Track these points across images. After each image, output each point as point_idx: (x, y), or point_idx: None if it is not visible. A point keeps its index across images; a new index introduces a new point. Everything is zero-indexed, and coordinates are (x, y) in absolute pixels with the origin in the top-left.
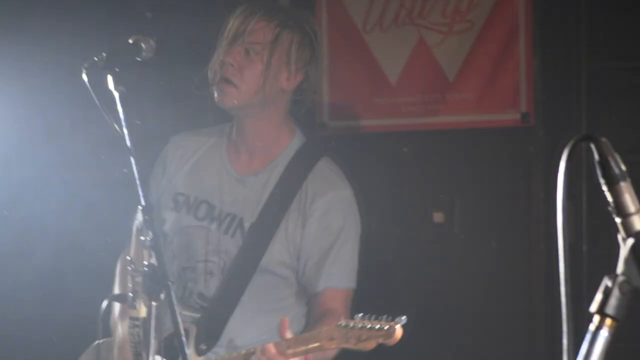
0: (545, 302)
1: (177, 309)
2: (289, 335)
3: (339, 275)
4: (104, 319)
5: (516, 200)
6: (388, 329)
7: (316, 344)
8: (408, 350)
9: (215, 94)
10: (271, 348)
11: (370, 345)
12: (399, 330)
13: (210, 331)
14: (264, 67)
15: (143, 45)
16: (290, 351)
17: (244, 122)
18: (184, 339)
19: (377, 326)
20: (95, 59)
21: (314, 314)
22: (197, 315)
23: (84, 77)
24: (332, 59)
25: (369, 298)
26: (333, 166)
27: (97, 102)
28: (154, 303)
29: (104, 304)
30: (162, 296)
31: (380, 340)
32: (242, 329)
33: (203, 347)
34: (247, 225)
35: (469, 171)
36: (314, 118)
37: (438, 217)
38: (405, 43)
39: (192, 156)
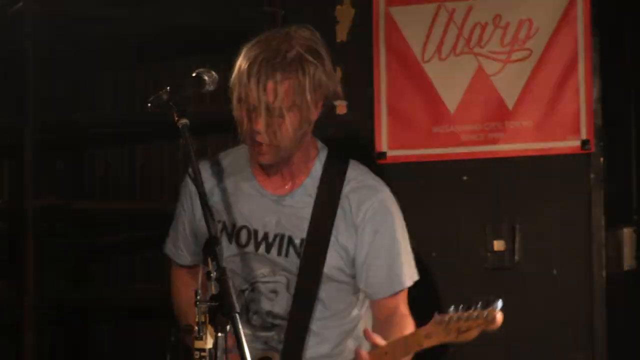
0: (606, 331)
1: (244, 339)
2: (380, 341)
3: (399, 278)
4: (173, 351)
5: (576, 227)
6: (487, 315)
7: (415, 346)
8: None
9: (252, 154)
10: (365, 356)
11: (473, 334)
12: (499, 315)
13: (291, 353)
14: (296, 120)
15: (206, 78)
16: (388, 357)
17: (277, 162)
18: None
19: (476, 314)
20: (159, 93)
21: (378, 317)
22: (271, 334)
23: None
24: (391, 89)
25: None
26: (362, 169)
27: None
28: (220, 334)
29: (172, 336)
30: (229, 327)
31: (483, 328)
32: (316, 344)
33: None
34: (297, 242)
35: (529, 199)
36: (373, 148)
37: (499, 245)
38: (463, 72)
39: (218, 184)
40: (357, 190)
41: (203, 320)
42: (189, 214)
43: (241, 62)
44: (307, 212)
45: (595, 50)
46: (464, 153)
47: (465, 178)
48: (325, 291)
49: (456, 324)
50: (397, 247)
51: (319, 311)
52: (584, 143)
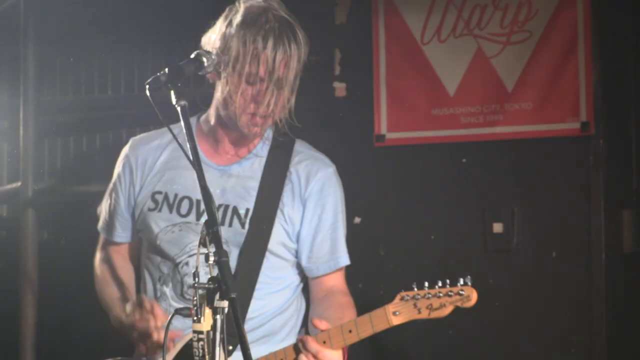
0: (605, 312)
1: (242, 321)
2: (326, 325)
3: (342, 254)
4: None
5: (576, 209)
6: (463, 292)
7: (384, 323)
8: (464, 356)
9: (244, 123)
10: (311, 342)
11: (447, 311)
12: (475, 295)
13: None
14: (288, 92)
15: (204, 59)
16: (341, 340)
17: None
18: (250, 351)
19: (447, 292)
20: (158, 74)
21: (316, 295)
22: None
23: (147, 92)
24: (390, 71)
25: None
26: (308, 146)
27: (160, 117)
28: (218, 316)
29: (170, 317)
30: (226, 309)
31: (459, 304)
32: (262, 309)
33: (229, 347)
34: (242, 212)
35: (528, 181)
36: (372, 130)
37: (497, 227)
38: (463, 54)
39: (160, 155)
40: (305, 162)
41: (201, 302)
42: (127, 187)
43: (240, 31)
44: (254, 182)
45: (595, 32)
46: (463, 135)
47: (464, 160)
48: (268, 266)
49: (427, 300)
50: (340, 223)
51: (260, 286)
52: (584, 125)
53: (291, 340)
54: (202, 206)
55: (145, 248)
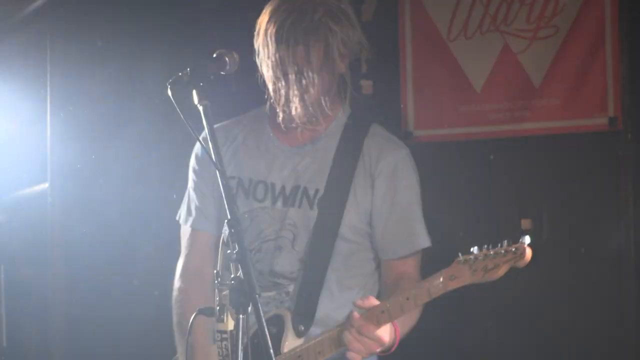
0: (636, 309)
1: (264, 322)
2: (373, 301)
3: (420, 235)
4: (191, 333)
5: (605, 205)
6: (516, 250)
7: (439, 289)
8: (496, 353)
9: (281, 114)
10: (356, 316)
11: (502, 271)
12: (529, 250)
13: (304, 311)
14: (326, 76)
15: (227, 59)
16: (398, 309)
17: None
18: (271, 351)
19: (503, 251)
20: (180, 74)
21: (386, 280)
22: (272, 293)
23: (169, 92)
24: (416, 68)
25: (458, 305)
26: (384, 130)
27: (182, 117)
28: (241, 316)
29: (192, 317)
30: (250, 309)
31: (512, 263)
32: (333, 303)
33: (301, 327)
34: (312, 192)
35: (556, 177)
36: (399, 127)
37: (526, 224)
38: (490, 50)
39: (232, 143)
40: (378, 144)
41: (224, 301)
42: (207, 178)
43: (267, 26)
44: (326, 162)
45: (622, 25)
46: (490, 132)
47: (492, 157)
48: (339, 252)
49: (482, 262)
50: (416, 206)
51: (330, 276)
52: (612, 120)
53: None
54: (277, 189)
55: None
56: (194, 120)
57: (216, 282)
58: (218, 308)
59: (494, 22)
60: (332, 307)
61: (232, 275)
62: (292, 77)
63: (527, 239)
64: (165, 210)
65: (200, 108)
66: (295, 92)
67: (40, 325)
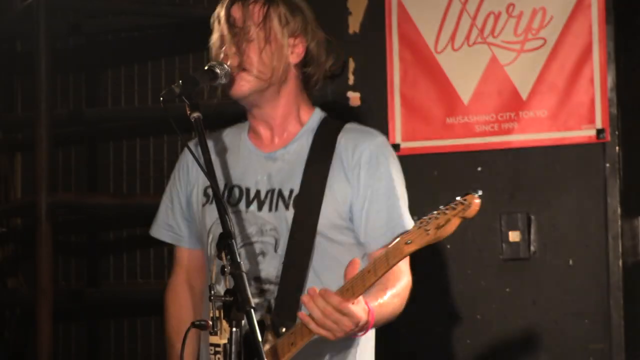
0: (622, 320)
1: (259, 334)
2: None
3: (401, 220)
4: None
5: (592, 217)
6: (465, 201)
7: (398, 257)
8: None
9: (232, 85)
10: (331, 294)
11: (452, 226)
12: (477, 199)
13: (286, 312)
14: (265, 44)
15: (218, 70)
16: (360, 285)
17: (262, 107)
18: None
19: (453, 205)
20: (172, 86)
21: None
22: (259, 300)
23: (162, 104)
24: (403, 80)
25: (445, 315)
26: (359, 125)
27: (175, 129)
28: (234, 329)
29: (186, 330)
30: (243, 322)
31: (461, 215)
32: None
33: (282, 330)
34: (286, 193)
35: (544, 189)
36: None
37: (514, 236)
38: (477, 62)
39: (212, 152)
40: (352, 136)
41: (217, 315)
42: (185, 187)
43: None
44: (300, 163)
45: (609, 38)
46: (478, 144)
47: (479, 169)
48: (320, 251)
49: (435, 221)
50: (396, 190)
51: (312, 275)
52: (599, 132)
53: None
54: (252, 194)
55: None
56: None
57: (210, 294)
58: (212, 321)
59: (481, 34)
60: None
61: (226, 289)
62: (237, 37)
63: (478, 192)
64: None
65: (192, 120)
66: (232, 51)
67: None
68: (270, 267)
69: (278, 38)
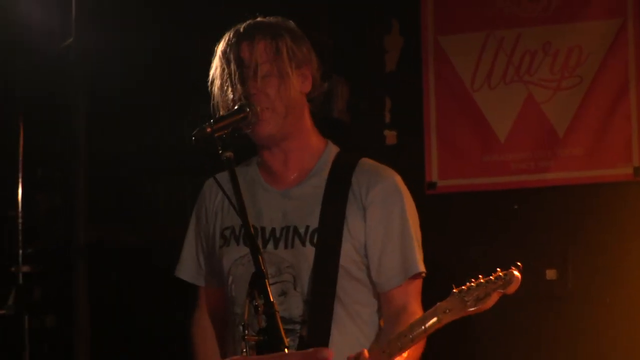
0: None
1: None
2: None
3: (414, 262)
4: None
5: (630, 255)
6: (505, 275)
7: (435, 324)
8: None
9: (254, 126)
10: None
11: (492, 300)
12: (518, 275)
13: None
14: (280, 80)
15: (248, 109)
16: (397, 347)
17: (282, 141)
18: None
19: (493, 278)
20: (204, 125)
21: (387, 313)
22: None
23: (194, 142)
24: (440, 118)
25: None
26: (373, 161)
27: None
28: None
29: None
30: None
31: (502, 290)
32: (344, 338)
33: None
34: (302, 230)
35: (581, 227)
36: (424, 177)
37: (551, 274)
38: (513, 100)
39: (226, 189)
40: (367, 173)
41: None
42: (205, 226)
43: (219, 48)
44: (316, 200)
45: None
46: (514, 182)
47: (516, 207)
48: (342, 288)
49: (475, 292)
50: (410, 231)
51: (338, 312)
52: (637, 170)
53: None
54: (267, 232)
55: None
56: None
57: (243, 334)
58: None
59: (517, 72)
60: (344, 342)
61: (259, 328)
62: (253, 75)
63: (518, 266)
64: None
65: (224, 160)
66: (261, 90)
67: None
68: (293, 307)
69: (290, 71)
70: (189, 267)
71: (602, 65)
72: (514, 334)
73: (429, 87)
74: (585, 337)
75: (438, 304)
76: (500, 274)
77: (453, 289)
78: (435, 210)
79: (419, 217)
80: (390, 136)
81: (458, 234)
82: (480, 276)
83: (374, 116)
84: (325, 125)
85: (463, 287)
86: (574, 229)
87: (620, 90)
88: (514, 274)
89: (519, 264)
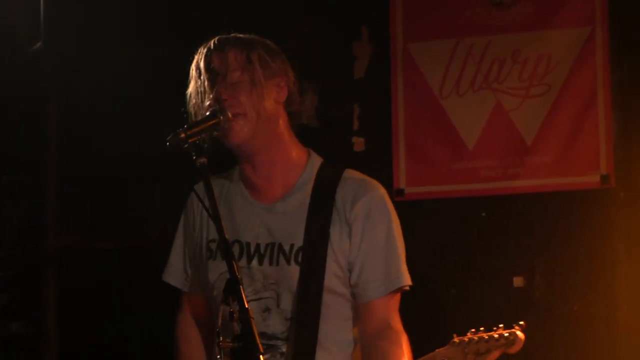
0: None
1: None
2: None
3: (399, 275)
4: None
5: (597, 263)
6: (509, 335)
7: None
8: None
9: (226, 134)
10: None
11: (493, 357)
12: (521, 335)
13: None
14: (251, 87)
15: (221, 117)
16: None
17: (260, 152)
18: None
19: (496, 336)
20: (177, 131)
21: (369, 328)
22: (268, 356)
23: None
24: (409, 125)
25: None
26: (357, 173)
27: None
28: None
29: None
30: None
31: (504, 350)
32: (330, 357)
33: None
34: (287, 248)
35: (548, 235)
36: (392, 184)
37: (518, 281)
38: (482, 108)
39: (219, 201)
40: (351, 187)
41: None
42: (192, 234)
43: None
44: (300, 216)
45: (614, 83)
46: (483, 189)
47: (484, 214)
48: (326, 305)
49: (476, 345)
50: (395, 245)
51: (322, 331)
52: (604, 178)
53: None
54: (252, 248)
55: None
56: None
57: (218, 340)
58: None
59: (486, 79)
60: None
61: (234, 334)
62: (223, 82)
63: (521, 325)
64: None
65: (198, 165)
66: (233, 96)
67: None
68: (277, 323)
69: (262, 79)
70: (175, 272)
71: (570, 73)
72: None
73: (397, 94)
74: (552, 345)
75: (437, 350)
76: (505, 333)
77: (454, 337)
78: (403, 217)
79: None
80: (359, 143)
81: (426, 241)
82: (481, 328)
83: (343, 123)
84: (294, 132)
85: (464, 338)
86: (541, 237)
87: (588, 99)
88: (517, 336)
89: (522, 323)
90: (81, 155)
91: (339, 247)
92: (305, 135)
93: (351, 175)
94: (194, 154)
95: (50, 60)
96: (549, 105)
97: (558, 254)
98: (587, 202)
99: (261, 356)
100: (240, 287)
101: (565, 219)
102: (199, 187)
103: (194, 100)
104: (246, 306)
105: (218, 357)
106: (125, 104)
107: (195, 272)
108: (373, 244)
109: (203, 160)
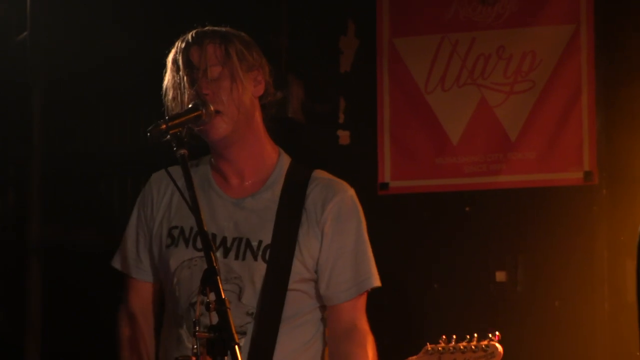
0: None
1: None
2: None
3: (369, 276)
4: None
5: (579, 259)
6: (486, 348)
7: None
8: None
9: (207, 129)
10: None
11: None
12: (500, 350)
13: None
14: (231, 82)
15: (203, 110)
16: None
17: (234, 146)
18: None
19: (473, 347)
20: (158, 122)
21: (336, 329)
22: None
23: (148, 139)
24: (394, 119)
25: None
26: (327, 174)
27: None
28: None
29: None
30: (227, 358)
31: None
32: (287, 354)
33: None
34: (255, 244)
35: (531, 230)
36: (376, 178)
37: (500, 276)
38: (467, 103)
39: (176, 190)
40: (321, 189)
41: (202, 351)
42: (149, 221)
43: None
44: (269, 214)
45: (599, 80)
46: (466, 184)
47: (467, 209)
48: (289, 303)
49: (451, 355)
50: (364, 245)
51: (282, 329)
52: (587, 175)
53: None
54: (218, 240)
55: (165, 290)
56: None
57: (194, 331)
58: (195, 357)
59: (471, 75)
60: (286, 357)
61: (210, 325)
62: (204, 78)
63: (497, 335)
64: None
65: (178, 157)
66: (214, 92)
67: None
68: (235, 316)
69: (241, 74)
70: (126, 258)
71: (554, 70)
72: (462, 335)
73: (383, 88)
74: (533, 340)
75: (410, 358)
76: (482, 344)
77: (427, 346)
78: (387, 211)
79: (371, 218)
80: (344, 136)
81: (409, 235)
82: (453, 336)
83: (328, 116)
84: (280, 125)
85: (438, 347)
86: (524, 232)
87: (572, 95)
88: (497, 349)
89: (497, 333)
90: (66, 147)
91: (307, 249)
92: (291, 129)
93: (320, 175)
94: (174, 145)
95: (36, 51)
96: (533, 102)
97: (541, 249)
98: (570, 199)
99: (237, 346)
100: (218, 277)
101: (548, 215)
102: (161, 174)
103: (171, 94)
104: (223, 297)
105: (194, 347)
106: (111, 95)
107: (149, 259)
108: (343, 245)
109: (183, 151)
